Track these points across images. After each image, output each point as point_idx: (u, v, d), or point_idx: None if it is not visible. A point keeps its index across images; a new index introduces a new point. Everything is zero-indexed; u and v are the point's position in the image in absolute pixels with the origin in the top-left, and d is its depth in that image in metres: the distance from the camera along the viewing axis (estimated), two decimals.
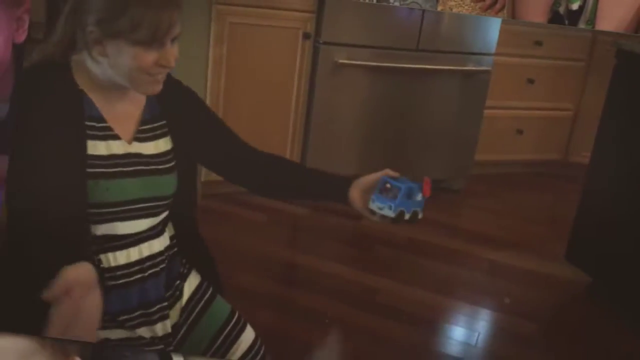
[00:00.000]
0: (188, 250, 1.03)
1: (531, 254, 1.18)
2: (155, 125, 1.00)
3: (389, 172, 1.00)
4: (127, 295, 0.98)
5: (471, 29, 1.15)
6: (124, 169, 0.96)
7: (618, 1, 1.16)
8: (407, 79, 1.16)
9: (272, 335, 1.04)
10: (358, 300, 1.12)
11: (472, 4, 1.16)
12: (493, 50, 1.16)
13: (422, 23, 1.12)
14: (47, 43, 0.95)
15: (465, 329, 1.12)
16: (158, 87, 0.96)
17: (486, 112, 1.18)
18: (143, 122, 0.99)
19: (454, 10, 1.15)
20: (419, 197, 1.00)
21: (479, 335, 1.12)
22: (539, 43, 1.16)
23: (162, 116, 1.00)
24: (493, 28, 1.15)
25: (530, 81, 1.19)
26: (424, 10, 1.12)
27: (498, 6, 1.18)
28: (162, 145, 1.00)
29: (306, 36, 1.11)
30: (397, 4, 1.14)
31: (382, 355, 1.09)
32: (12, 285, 0.96)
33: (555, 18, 1.20)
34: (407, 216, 1.00)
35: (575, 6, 1.19)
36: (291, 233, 1.19)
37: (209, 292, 1.04)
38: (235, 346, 1.02)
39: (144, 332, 0.99)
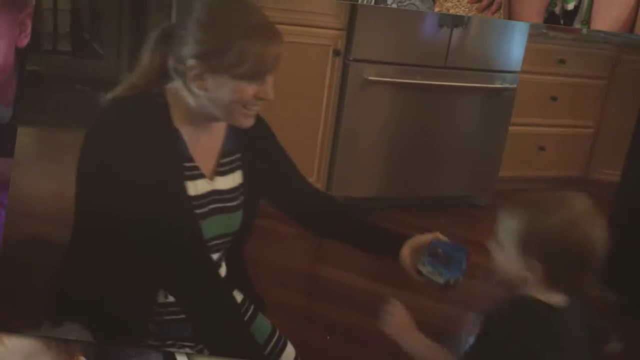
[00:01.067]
0: (232, 270, 1.03)
1: None
2: (233, 157, 0.98)
3: (439, 235, 1.02)
4: (182, 327, 0.97)
5: (498, 47, 1.17)
6: (205, 209, 0.95)
7: (613, 1, 1.17)
8: (435, 95, 1.17)
9: (302, 348, 1.04)
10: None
11: (469, 5, 1.17)
12: (519, 67, 1.17)
13: (450, 41, 1.13)
14: (131, 73, 0.93)
15: None
16: (252, 120, 0.94)
17: (509, 128, 1.20)
18: (223, 154, 0.97)
19: (451, 11, 1.16)
20: (464, 264, 1.02)
21: None
22: (562, 61, 1.18)
23: (238, 148, 0.99)
24: (519, 46, 1.16)
25: (553, 98, 1.20)
26: (452, 29, 1.13)
27: (494, 7, 1.19)
28: (237, 178, 0.99)
29: (336, 53, 1.12)
30: (394, 5, 1.15)
31: None
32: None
33: (550, 18, 1.22)
34: (451, 282, 1.01)
35: (570, 6, 1.20)
36: (320, 246, 1.19)
37: (251, 311, 1.03)
38: None
39: (188, 349, 0.99)
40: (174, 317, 0.97)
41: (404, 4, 1.15)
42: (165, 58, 0.91)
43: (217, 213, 0.96)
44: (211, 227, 0.96)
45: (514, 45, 1.17)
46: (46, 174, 1.05)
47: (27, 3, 1.01)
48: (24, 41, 1.01)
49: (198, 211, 0.94)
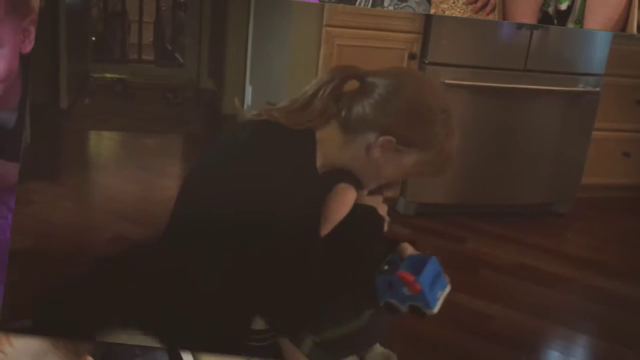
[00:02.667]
0: None
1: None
2: None
3: (405, 248, 0.98)
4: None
5: (580, 49, 1.13)
6: None
7: (605, 0, 1.14)
8: (514, 99, 1.14)
9: None
10: (467, 326, 1.09)
11: (464, 6, 1.15)
12: (602, 70, 1.13)
13: (531, 43, 1.10)
14: (299, 112, 0.94)
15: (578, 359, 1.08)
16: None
17: (592, 133, 1.15)
18: None
19: (447, 12, 1.14)
20: (407, 292, 0.91)
21: None
22: None
23: None
24: (602, 48, 1.12)
25: (639, 102, 1.15)
26: (532, 31, 1.10)
27: (489, 8, 1.17)
28: None
29: (412, 57, 1.11)
30: (391, 7, 1.13)
31: None
32: None
33: (544, 18, 1.20)
34: (403, 308, 0.92)
35: (563, 6, 1.18)
36: None
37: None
38: None
39: None
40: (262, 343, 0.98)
41: (400, 6, 1.14)
42: (335, 106, 0.94)
43: None
44: None
45: (597, 47, 1.12)
46: (131, 177, 1.09)
47: (31, 10, 1.02)
48: (28, 47, 1.02)
49: None
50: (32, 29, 1.02)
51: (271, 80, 1.15)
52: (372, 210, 0.97)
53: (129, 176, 1.08)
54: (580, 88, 1.14)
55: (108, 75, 1.15)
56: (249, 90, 1.13)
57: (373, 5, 1.14)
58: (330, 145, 0.94)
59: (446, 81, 1.12)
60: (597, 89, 1.14)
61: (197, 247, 0.94)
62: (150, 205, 1.03)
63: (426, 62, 1.12)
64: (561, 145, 1.17)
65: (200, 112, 1.19)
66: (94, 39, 1.17)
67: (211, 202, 0.94)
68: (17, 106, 1.03)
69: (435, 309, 0.91)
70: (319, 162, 0.94)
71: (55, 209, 1.04)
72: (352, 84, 0.95)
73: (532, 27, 1.11)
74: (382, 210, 0.98)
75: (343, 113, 0.93)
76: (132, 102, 1.15)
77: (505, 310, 1.10)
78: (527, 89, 1.13)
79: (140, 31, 1.18)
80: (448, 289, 0.95)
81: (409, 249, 0.97)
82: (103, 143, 1.13)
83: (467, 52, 1.12)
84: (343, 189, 0.94)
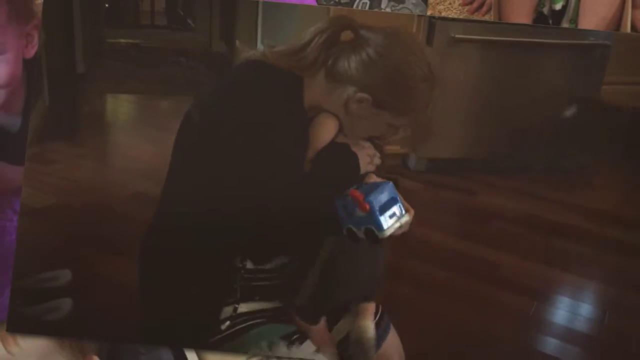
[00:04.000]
0: None
1: None
2: None
3: (370, 177, 0.98)
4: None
5: None
6: None
7: (599, 0, 1.17)
8: (524, 52, 1.14)
9: (393, 306, 1.05)
10: (478, 274, 1.10)
11: (460, 7, 1.17)
12: None
13: None
14: (291, 56, 0.98)
15: (592, 306, 1.09)
16: None
17: (603, 87, 1.15)
18: None
19: (443, 14, 1.16)
20: (359, 213, 0.92)
21: (605, 314, 1.08)
22: None
23: None
24: None
25: None
26: None
27: (485, 8, 1.20)
28: None
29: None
30: (388, 9, 1.14)
31: (505, 329, 1.08)
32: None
33: (539, 18, 1.23)
34: (360, 234, 0.93)
35: (558, 6, 1.21)
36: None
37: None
38: None
39: None
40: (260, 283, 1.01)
41: (398, 7, 1.15)
42: (326, 54, 0.96)
43: None
44: None
45: None
46: (147, 137, 1.12)
47: (34, 16, 1.04)
48: (31, 52, 1.04)
49: None
50: (35, 34, 1.04)
51: (282, 39, 1.17)
52: (344, 146, 0.99)
53: (145, 136, 1.11)
54: (591, 41, 1.14)
55: (122, 40, 1.17)
56: (260, 49, 1.15)
57: (371, 7, 1.15)
58: (315, 89, 0.97)
59: (456, 36, 1.13)
60: (608, 42, 1.14)
61: (194, 189, 0.99)
62: (166, 163, 1.05)
63: (436, 16, 1.12)
64: (572, 99, 1.18)
65: (213, 74, 1.21)
66: (107, 5, 1.19)
67: (203, 136, 0.98)
68: (21, 110, 1.05)
69: (387, 233, 0.93)
70: (306, 104, 0.97)
71: (75, 167, 1.07)
72: (348, 35, 0.97)
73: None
74: (361, 148, 1.00)
75: (330, 62, 0.96)
76: (146, 65, 1.17)
77: (516, 259, 1.12)
78: (536, 42, 1.13)
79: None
80: (407, 217, 0.96)
81: (372, 178, 0.99)
82: (119, 105, 1.15)
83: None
84: (324, 117, 0.97)
